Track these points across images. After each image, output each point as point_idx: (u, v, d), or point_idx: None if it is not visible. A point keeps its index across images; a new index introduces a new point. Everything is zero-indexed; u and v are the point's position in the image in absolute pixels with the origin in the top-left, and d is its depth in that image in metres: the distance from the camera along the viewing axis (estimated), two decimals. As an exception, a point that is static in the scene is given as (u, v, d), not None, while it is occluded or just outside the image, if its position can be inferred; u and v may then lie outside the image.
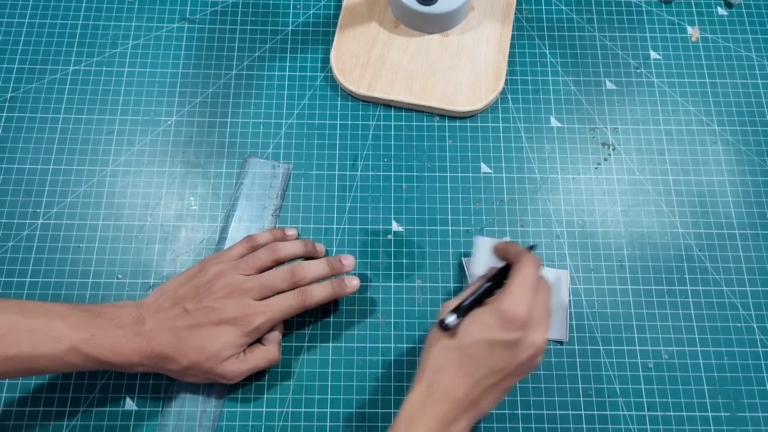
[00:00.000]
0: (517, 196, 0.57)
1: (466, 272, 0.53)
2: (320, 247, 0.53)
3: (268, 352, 0.48)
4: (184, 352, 0.44)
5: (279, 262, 0.50)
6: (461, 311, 0.41)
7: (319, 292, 0.48)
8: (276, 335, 0.49)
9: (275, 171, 0.57)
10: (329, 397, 0.50)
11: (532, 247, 0.48)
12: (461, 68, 0.60)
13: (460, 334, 0.41)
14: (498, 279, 0.45)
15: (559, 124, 0.59)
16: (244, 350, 0.47)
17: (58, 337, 0.41)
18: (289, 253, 0.50)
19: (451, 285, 0.54)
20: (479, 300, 0.43)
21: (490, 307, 0.41)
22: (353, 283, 0.50)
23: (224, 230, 0.55)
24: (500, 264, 0.46)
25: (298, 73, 0.61)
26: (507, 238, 0.49)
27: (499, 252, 0.47)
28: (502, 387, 0.41)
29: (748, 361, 0.52)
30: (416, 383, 0.41)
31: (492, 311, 0.41)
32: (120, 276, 0.53)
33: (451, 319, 0.41)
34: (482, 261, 0.49)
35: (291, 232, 0.54)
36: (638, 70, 0.62)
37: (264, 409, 0.50)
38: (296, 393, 0.50)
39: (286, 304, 0.47)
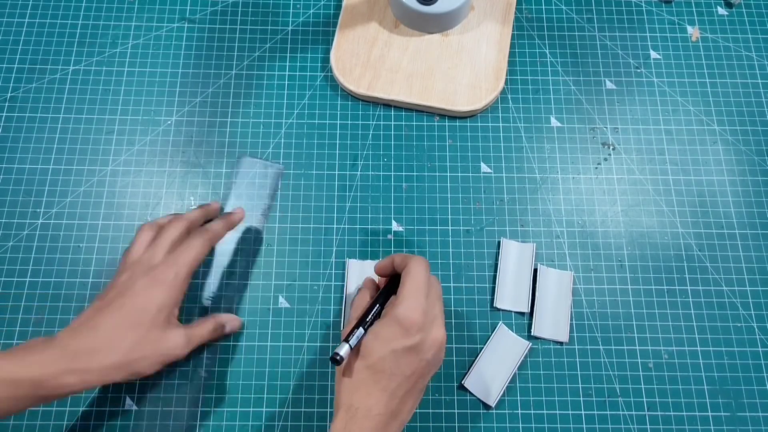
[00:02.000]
0: (517, 196, 0.57)
1: (343, 306, 0.53)
2: (215, 204, 0.53)
3: (214, 322, 0.48)
4: (115, 334, 0.41)
5: (188, 230, 0.48)
6: (353, 340, 0.42)
7: (218, 225, 0.48)
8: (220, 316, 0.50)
9: (267, 171, 0.57)
10: (329, 397, 0.50)
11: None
12: (461, 68, 0.60)
13: (365, 353, 0.42)
14: (384, 296, 0.46)
15: (559, 124, 0.59)
16: (184, 324, 0.45)
17: None
18: (192, 217, 0.48)
19: (451, 284, 0.54)
20: (371, 323, 0.44)
21: (387, 319, 0.42)
22: (238, 212, 0.51)
23: None
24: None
25: (298, 73, 0.61)
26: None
27: (382, 269, 0.47)
28: (417, 390, 0.43)
29: (748, 361, 0.52)
30: (336, 411, 0.42)
31: (389, 322, 0.42)
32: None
33: (344, 351, 0.41)
34: (353, 282, 0.53)
35: (214, 206, 0.52)
36: (638, 70, 0.62)
37: (264, 409, 0.50)
38: (296, 393, 0.50)
39: (193, 244, 0.45)
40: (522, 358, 0.51)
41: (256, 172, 0.56)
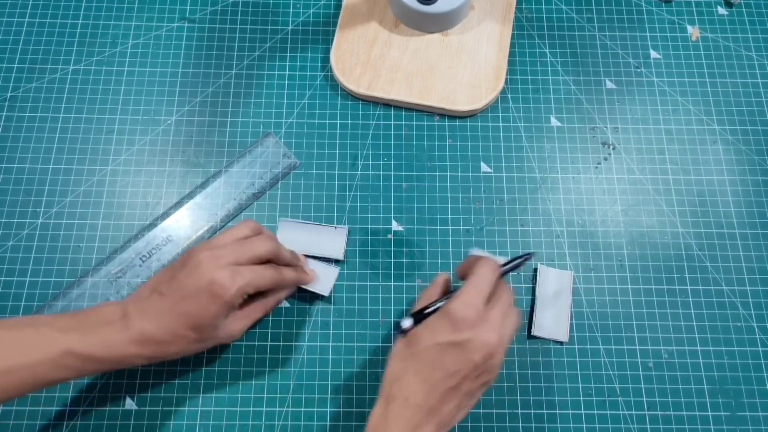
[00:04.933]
0: (517, 195, 0.57)
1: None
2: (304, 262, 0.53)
3: (266, 304, 0.49)
4: (176, 332, 0.43)
5: (272, 257, 0.48)
6: (418, 317, 0.42)
7: (291, 276, 0.49)
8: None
9: (283, 159, 0.57)
10: (329, 396, 0.50)
11: (528, 254, 0.48)
12: (461, 67, 0.60)
13: (412, 341, 0.41)
14: None
15: (559, 124, 0.59)
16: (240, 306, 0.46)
17: (48, 342, 0.41)
18: (283, 253, 0.49)
19: (451, 285, 0.53)
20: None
21: (440, 312, 0.42)
22: (310, 274, 0.51)
23: (205, 184, 0.56)
24: None
25: (298, 73, 0.61)
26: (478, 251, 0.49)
27: (461, 272, 0.47)
28: (462, 392, 0.41)
29: (748, 361, 0.52)
30: (379, 397, 0.42)
31: (441, 315, 0.41)
32: (120, 275, 0.53)
33: (407, 323, 0.42)
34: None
35: (303, 260, 0.52)
36: (638, 70, 0.62)
37: (264, 409, 0.50)
38: (296, 393, 0.50)
39: (264, 272, 0.46)
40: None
41: (274, 151, 0.56)
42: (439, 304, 0.43)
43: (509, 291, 0.44)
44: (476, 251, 0.50)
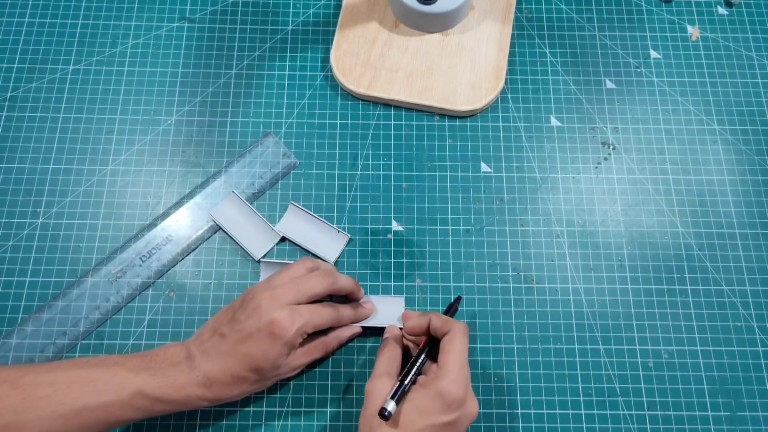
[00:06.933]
0: (517, 195, 0.57)
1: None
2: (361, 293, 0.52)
3: (326, 343, 0.49)
4: (238, 374, 0.43)
5: (330, 292, 0.48)
6: (398, 397, 0.41)
7: (348, 313, 0.49)
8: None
9: (283, 159, 0.57)
10: (329, 396, 0.50)
11: (457, 299, 0.50)
12: (461, 67, 0.60)
13: (402, 423, 0.41)
14: (429, 351, 0.46)
15: (559, 124, 0.59)
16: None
17: (120, 382, 0.41)
18: (342, 285, 0.48)
19: (451, 284, 0.54)
20: (414, 380, 0.43)
21: (429, 391, 0.41)
22: (368, 307, 0.51)
23: (205, 184, 0.56)
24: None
25: (298, 73, 0.61)
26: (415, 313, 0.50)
27: (414, 330, 0.47)
28: None
29: (748, 360, 0.52)
30: None
31: (432, 395, 0.41)
32: (120, 275, 0.53)
33: (392, 407, 0.41)
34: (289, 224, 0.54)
35: (361, 293, 0.51)
36: (638, 70, 0.62)
37: (264, 409, 0.50)
38: (296, 393, 0.50)
39: (322, 311, 0.46)
40: None
41: (274, 151, 0.56)
42: (410, 376, 0.43)
43: (467, 349, 0.45)
44: (408, 313, 0.50)
